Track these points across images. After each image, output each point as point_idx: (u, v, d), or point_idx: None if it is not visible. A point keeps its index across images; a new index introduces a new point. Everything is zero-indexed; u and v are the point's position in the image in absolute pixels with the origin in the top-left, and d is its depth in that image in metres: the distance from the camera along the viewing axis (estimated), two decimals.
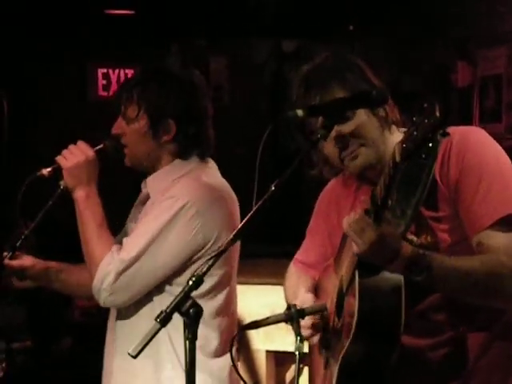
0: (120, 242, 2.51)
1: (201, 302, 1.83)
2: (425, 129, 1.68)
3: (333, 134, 2.04)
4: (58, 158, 2.53)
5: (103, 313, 2.66)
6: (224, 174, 2.64)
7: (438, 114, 1.67)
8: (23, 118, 6.47)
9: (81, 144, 2.54)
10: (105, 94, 7.12)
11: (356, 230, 1.88)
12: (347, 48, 5.76)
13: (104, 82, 7.11)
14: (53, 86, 6.74)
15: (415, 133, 1.70)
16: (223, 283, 2.53)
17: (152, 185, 2.57)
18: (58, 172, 2.54)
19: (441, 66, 5.92)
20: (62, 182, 2.55)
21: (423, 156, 1.73)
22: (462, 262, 1.94)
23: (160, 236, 2.43)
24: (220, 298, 2.53)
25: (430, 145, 1.69)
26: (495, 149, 2.03)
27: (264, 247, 5.02)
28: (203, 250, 2.45)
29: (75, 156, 2.51)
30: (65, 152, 2.53)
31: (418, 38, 6.08)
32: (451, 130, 1.99)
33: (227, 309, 2.56)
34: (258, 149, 2.00)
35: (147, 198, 2.58)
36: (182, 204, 2.43)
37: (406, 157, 1.73)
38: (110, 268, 2.42)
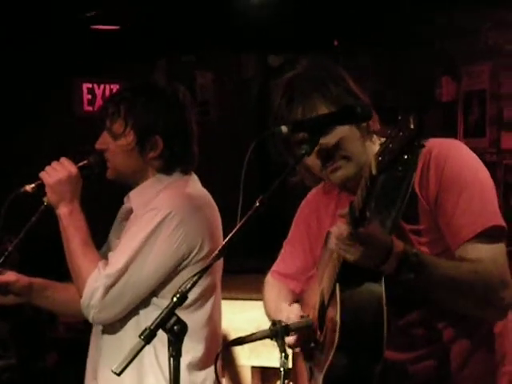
0: (105, 257, 2.50)
1: (185, 313, 1.83)
2: (400, 141, 1.69)
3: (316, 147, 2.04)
4: (42, 174, 2.53)
5: (89, 328, 2.64)
6: (209, 189, 2.64)
7: (412, 126, 1.67)
8: (9, 132, 6.46)
9: (64, 160, 2.54)
10: (90, 108, 7.11)
11: (345, 243, 1.87)
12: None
13: (89, 96, 7.11)
14: (38, 101, 6.72)
15: (390, 145, 1.70)
16: (207, 295, 2.53)
17: (135, 198, 2.57)
18: (41, 188, 2.54)
19: (425, 81, 5.95)
20: (45, 198, 2.54)
21: (399, 168, 1.74)
22: (452, 264, 1.95)
23: (145, 248, 2.43)
24: (204, 310, 2.53)
25: (406, 157, 1.69)
26: (474, 161, 2.04)
27: (248, 261, 5.02)
28: (188, 259, 2.46)
29: (58, 172, 2.50)
30: (48, 168, 2.52)
31: (402, 52, 6.11)
32: (430, 142, 2.01)
33: (211, 320, 2.56)
34: (243, 164, 2.00)
35: (130, 212, 2.58)
36: (164, 215, 2.44)
37: (381, 170, 1.73)
38: (97, 284, 2.42)
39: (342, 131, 2.05)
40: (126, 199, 2.61)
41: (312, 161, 2.09)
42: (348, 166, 2.07)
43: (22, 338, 4.91)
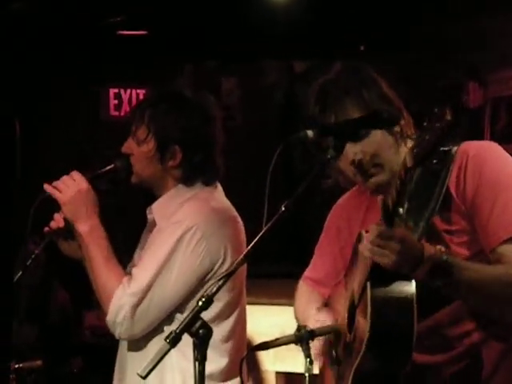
0: (130, 273, 2.50)
1: (212, 326, 1.83)
2: (436, 132, 1.68)
3: (349, 155, 2.05)
4: (54, 192, 2.49)
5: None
6: (236, 193, 2.64)
7: (448, 117, 1.66)
8: (36, 137, 6.51)
9: (75, 174, 2.52)
10: (116, 113, 7.14)
11: (380, 244, 1.86)
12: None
13: (116, 101, 7.14)
14: (65, 106, 6.77)
15: (426, 137, 1.69)
16: (232, 307, 2.52)
17: (157, 211, 2.57)
18: None
19: (452, 87, 5.92)
20: None
21: (435, 161, 1.72)
22: (483, 267, 1.94)
23: (168, 263, 2.43)
24: (229, 321, 2.52)
25: (442, 149, 1.68)
26: (511, 164, 2.03)
27: (272, 266, 5.02)
28: (211, 273, 2.45)
29: (69, 189, 2.48)
30: (59, 184, 2.50)
31: (429, 58, 6.08)
32: (468, 143, 2.01)
33: (236, 332, 2.55)
34: (268, 169, 2.01)
35: (154, 224, 2.58)
36: (186, 229, 2.43)
37: (417, 162, 1.73)
38: (122, 301, 2.41)
39: (374, 138, 2.05)
40: (148, 211, 2.62)
41: (345, 166, 2.09)
42: (381, 173, 2.07)
43: (49, 342, 4.94)
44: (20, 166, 3.18)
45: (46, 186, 2.51)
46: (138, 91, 7.09)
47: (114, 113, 7.16)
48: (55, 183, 2.50)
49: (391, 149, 2.06)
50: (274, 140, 6.77)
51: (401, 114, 2.02)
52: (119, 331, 2.43)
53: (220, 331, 2.47)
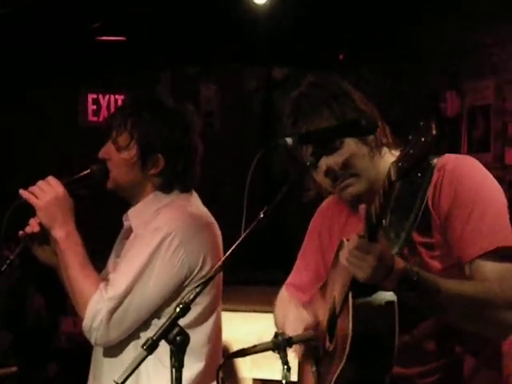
0: (106, 278, 2.48)
1: (189, 331, 1.82)
2: (422, 147, 1.68)
3: (322, 167, 2.05)
4: (29, 197, 2.46)
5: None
6: (212, 201, 2.64)
7: (434, 131, 1.67)
8: (13, 141, 6.48)
9: (51, 180, 2.49)
10: (94, 119, 7.13)
11: (357, 256, 1.87)
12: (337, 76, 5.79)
13: (94, 107, 7.13)
14: (43, 111, 6.75)
15: (411, 151, 1.70)
16: (209, 311, 2.52)
17: (134, 217, 2.56)
18: None
19: (430, 96, 5.96)
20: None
21: (419, 175, 1.72)
22: (454, 284, 1.94)
23: (146, 270, 2.42)
24: (206, 326, 2.51)
25: (427, 163, 1.69)
26: (488, 179, 2.03)
27: (250, 273, 5.01)
28: (189, 279, 2.45)
29: (45, 194, 2.46)
30: (35, 189, 2.47)
31: (407, 67, 6.12)
32: (445, 157, 2.02)
33: (212, 338, 2.55)
34: (247, 175, 2.00)
35: (130, 231, 2.57)
36: (164, 235, 2.43)
37: (402, 175, 1.73)
38: (99, 306, 2.40)
39: (348, 148, 2.05)
40: (124, 218, 2.61)
41: (321, 179, 2.10)
42: (358, 183, 2.07)
43: (24, 347, 4.90)
44: None
45: (22, 192, 2.48)
46: (117, 97, 7.08)
47: (92, 118, 7.14)
48: (31, 188, 2.48)
49: (365, 157, 2.06)
50: (252, 146, 6.82)
51: (376, 122, 2.02)
52: (95, 337, 2.42)
53: (197, 336, 2.47)
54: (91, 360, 2.61)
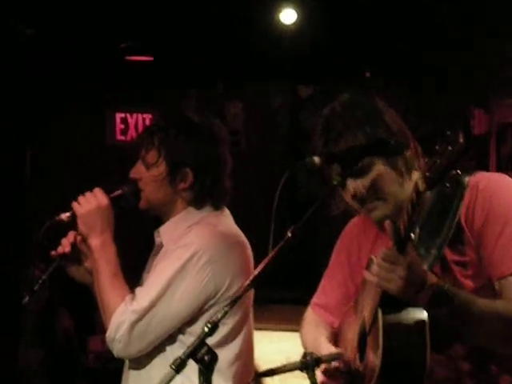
0: (134, 291, 2.50)
1: (216, 351, 1.82)
2: (449, 156, 1.68)
3: (350, 189, 2.05)
4: (74, 205, 2.54)
5: (118, 358, 2.65)
6: (240, 219, 2.65)
7: (461, 140, 1.66)
8: (44, 160, 6.53)
9: (97, 191, 2.55)
10: (122, 138, 7.17)
11: (386, 268, 1.85)
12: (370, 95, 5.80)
13: (122, 126, 7.16)
14: (72, 130, 6.80)
15: (438, 161, 1.69)
16: (236, 331, 2.52)
17: (165, 234, 2.57)
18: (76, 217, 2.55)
19: (458, 114, 5.94)
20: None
21: (447, 185, 1.72)
22: (486, 302, 1.94)
23: (172, 285, 2.43)
24: (234, 346, 2.51)
25: (455, 173, 1.68)
26: None
27: (278, 292, 5.00)
28: (215, 298, 2.45)
29: (89, 203, 2.51)
30: (80, 198, 2.54)
31: (434, 84, 6.10)
32: (479, 175, 2.02)
33: (242, 356, 2.54)
34: (274, 194, 2.01)
35: (161, 247, 2.59)
36: (192, 252, 2.44)
37: (429, 186, 1.72)
38: (122, 318, 2.41)
39: (376, 173, 2.05)
40: (156, 234, 2.62)
41: (349, 199, 2.10)
42: (384, 207, 2.07)
43: (53, 366, 4.92)
44: (29, 194, 3.19)
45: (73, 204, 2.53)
46: (144, 116, 7.12)
47: (120, 137, 7.18)
48: (79, 198, 2.54)
49: (394, 182, 2.06)
50: (278, 165, 6.82)
51: (407, 143, 2.02)
52: (117, 348, 2.43)
53: (225, 355, 2.47)
54: (122, 377, 2.62)
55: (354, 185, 2.05)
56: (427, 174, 1.72)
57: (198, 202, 2.56)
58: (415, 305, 1.90)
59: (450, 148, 1.68)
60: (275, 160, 7.08)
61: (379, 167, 2.05)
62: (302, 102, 7.33)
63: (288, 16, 5.35)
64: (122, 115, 7.16)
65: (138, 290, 2.48)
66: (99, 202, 2.52)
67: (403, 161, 2.05)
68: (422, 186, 1.74)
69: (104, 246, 2.49)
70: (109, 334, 2.44)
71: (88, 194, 2.54)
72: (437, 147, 1.71)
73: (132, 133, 7.11)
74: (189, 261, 2.43)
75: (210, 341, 1.84)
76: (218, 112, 7.22)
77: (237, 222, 2.65)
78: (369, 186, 2.05)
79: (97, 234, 2.50)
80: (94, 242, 2.50)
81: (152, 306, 2.42)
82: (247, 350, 2.59)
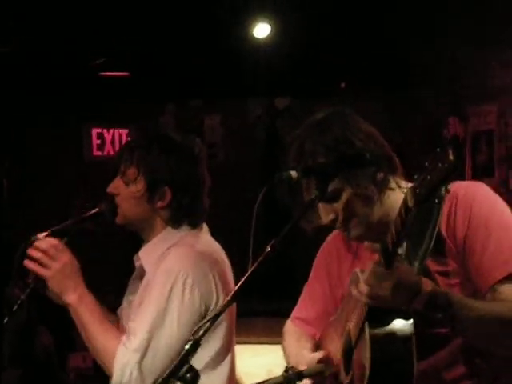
0: (127, 328, 2.48)
1: (206, 374, 1.81)
2: (439, 173, 1.69)
3: (323, 215, 2.08)
4: (39, 269, 2.46)
5: (98, 374, 2.63)
6: (219, 231, 2.64)
7: (451, 157, 1.68)
8: (19, 177, 6.50)
9: (57, 245, 2.48)
10: (99, 153, 7.15)
11: (374, 284, 1.87)
12: (339, 105, 5.84)
13: (98, 141, 7.15)
14: (48, 146, 6.78)
15: (428, 177, 1.71)
16: (224, 352, 2.52)
17: (145, 257, 2.56)
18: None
19: (433, 122, 5.98)
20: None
21: (436, 201, 1.73)
22: (482, 304, 1.95)
23: (166, 313, 2.42)
24: (223, 367, 2.51)
25: (444, 189, 1.70)
26: (500, 203, 2.06)
27: (258, 304, 4.99)
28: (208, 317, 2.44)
29: (54, 262, 2.46)
30: (42, 258, 2.47)
31: (409, 93, 6.15)
32: (456, 184, 2.03)
33: (231, 377, 2.54)
34: (253, 208, 2.01)
35: (142, 270, 2.57)
36: (177, 277, 2.43)
37: (419, 201, 1.73)
38: (125, 360, 2.38)
39: (346, 197, 2.07)
40: (135, 258, 2.61)
41: (324, 217, 2.11)
42: (358, 228, 2.10)
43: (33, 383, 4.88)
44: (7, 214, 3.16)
45: (28, 264, 2.47)
46: (121, 131, 7.11)
47: (96, 153, 7.17)
48: (38, 256, 2.47)
49: (365, 205, 2.07)
50: (256, 177, 6.83)
51: (380, 162, 2.04)
52: None
53: (215, 378, 2.46)
54: None
55: (326, 209, 2.08)
56: (417, 190, 1.73)
57: (175, 221, 2.55)
58: (412, 310, 1.91)
59: (440, 165, 1.69)
60: (253, 172, 7.10)
61: (348, 192, 2.06)
62: (278, 113, 7.36)
63: (262, 30, 5.40)
64: (99, 130, 7.15)
65: (132, 325, 2.45)
66: (64, 258, 2.48)
67: (374, 182, 2.06)
68: (411, 202, 1.75)
69: (81, 298, 2.46)
70: (116, 379, 2.40)
71: (48, 250, 2.47)
72: (427, 164, 1.73)
73: (109, 148, 7.10)
74: (176, 285, 2.42)
75: (199, 365, 1.83)
76: (196, 125, 7.22)
77: (215, 235, 2.65)
78: (339, 210, 2.07)
79: (71, 290, 2.46)
80: (71, 298, 2.47)
81: (151, 338, 2.40)
82: (233, 368, 2.59)
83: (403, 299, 1.87)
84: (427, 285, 1.90)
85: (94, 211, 2.57)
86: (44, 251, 2.48)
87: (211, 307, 2.45)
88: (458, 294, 1.98)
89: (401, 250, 1.92)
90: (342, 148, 2.06)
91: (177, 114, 7.32)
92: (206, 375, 2.44)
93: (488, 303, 1.96)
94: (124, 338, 2.42)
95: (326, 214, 2.10)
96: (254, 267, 1.92)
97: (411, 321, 1.92)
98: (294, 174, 2.04)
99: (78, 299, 2.46)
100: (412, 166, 1.82)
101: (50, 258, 2.47)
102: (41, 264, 2.48)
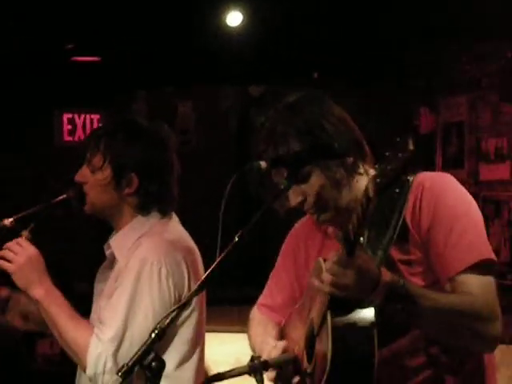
0: (95, 321, 2.47)
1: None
2: (399, 162, 1.71)
3: (292, 198, 2.07)
4: (3, 264, 2.45)
5: (66, 361, 2.62)
6: (188, 219, 2.64)
7: (411, 147, 1.69)
8: None
9: (21, 241, 2.47)
10: (70, 138, 7.11)
11: (336, 272, 1.87)
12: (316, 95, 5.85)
13: (69, 127, 7.11)
14: (18, 131, 6.72)
15: (388, 167, 1.72)
16: (194, 342, 2.52)
17: (115, 246, 2.55)
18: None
19: (403, 113, 6.01)
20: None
21: (397, 190, 1.73)
22: (441, 296, 1.96)
23: (139, 304, 2.40)
24: (193, 361, 2.51)
25: (404, 178, 1.70)
26: (465, 195, 2.07)
27: (227, 291, 5.00)
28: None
29: (18, 257, 2.44)
30: (6, 253, 2.46)
31: (381, 84, 6.17)
32: (422, 175, 2.04)
33: (200, 369, 2.55)
34: (222, 194, 2.01)
35: (113, 259, 2.56)
36: (153, 267, 2.41)
37: (379, 191, 1.74)
38: (98, 351, 2.36)
39: (316, 180, 2.06)
40: (106, 247, 2.60)
41: (293, 201, 2.11)
42: (327, 212, 2.09)
43: (1, 370, 4.86)
44: None
45: None
46: (92, 116, 7.07)
47: (67, 138, 7.12)
48: (2, 253, 2.46)
49: (334, 189, 2.07)
50: (229, 163, 6.83)
51: (349, 148, 2.04)
52: (102, 381, 2.36)
53: (187, 365, 2.48)
54: (75, 381, 2.59)
55: (296, 192, 2.07)
56: (378, 179, 1.74)
57: (144, 208, 2.54)
58: (370, 302, 1.92)
59: (399, 155, 1.70)
60: (226, 158, 7.10)
61: (318, 175, 2.06)
62: (252, 101, 7.35)
63: (234, 18, 5.41)
64: (70, 116, 7.10)
65: (104, 316, 2.43)
66: (27, 252, 2.45)
67: (344, 166, 2.06)
68: (371, 191, 1.76)
69: (48, 292, 2.44)
70: (89, 371, 2.37)
71: (13, 246, 2.46)
72: (387, 153, 1.73)
73: (80, 133, 7.06)
74: (150, 276, 2.40)
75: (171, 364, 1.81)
76: (169, 112, 7.20)
77: (186, 223, 2.64)
78: (308, 192, 2.07)
79: (36, 284, 2.44)
80: (37, 292, 2.44)
81: (126, 327, 2.38)
82: (202, 356, 2.59)
83: (364, 288, 1.88)
84: (386, 275, 1.91)
85: (61, 197, 2.55)
86: (7, 247, 2.46)
87: (183, 296, 2.44)
88: (416, 284, 1.99)
89: (363, 239, 1.92)
90: (314, 132, 2.05)
91: (149, 100, 7.29)
92: (176, 365, 2.45)
93: (445, 295, 1.97)
94: (96, 329, 2.40)
95: (294, 196, 2.09)
96: (222, 256, 1.92)
97: (372, 309, 1.93)
98: (263, 164, 2.04)
99: (44, 294, 2.44)
100: (382, 155, 1.83)
101: (14, 252, 2.46)
102: (4, 259, 2.46)
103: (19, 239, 2.48)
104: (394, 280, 1.91)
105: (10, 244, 2.47)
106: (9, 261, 2.45)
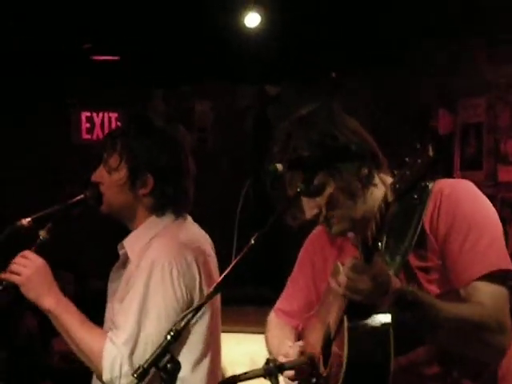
0: (109, 321, 2.47)
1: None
2: (418, 168, 1.70)
3: (306, 210, 2.08)
4: (12, 277, 2.46)
5: None
6: (205, 217, 2.64)
7: (430, 153, 1.68)
8: (9, 158, 6.48)
9: (27, 253, 2.49)
10: (88, 136, 7.14)
11: (353, 278, 1.87)
12: (328, 94, 5.84)
13: (88, 125, 7.13)
14: (38, 129, 6.76)
15: (407, 172, 1.71)
16: (206, 345, 2.52)
17: (129, 246, 2.56)
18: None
19: (421, 113, 5.98)
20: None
21: (415, 196, 1.73)
22: (450, 306, 1.96)
23: (151, 306, 2.40)
24: (204, 364, 2.51)
25: (423, 185, 1.69)
26: (485, 203, 2.06)
27: (243, 291, 5.00)
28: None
29: (27, 269, 2.46)
30: (14, 267, 2.47)
31: (399, 84, 6.14)
32: (442, 182, 2.04)
33: (213, 375, 2.55)
34: (240, 193, 2.01)
35: (126, 259, 2.57)
36: (164, 268, 2.42)
37: (398, 197, 1.74)
38: (113, 355, 2.37)
39: (329, 191, 2.07)
40: (119, 246, 2.60)
41: (308, 211, 2.11)
42: (341, 223, 2.09)
43: (17, 366, 4.89)
44: None
45: (1, 275, 2.47)
46: (110, 115, 7.09)
47: (85, 136, 7.15)
48: (11, 267, 2.47)
49: (348, 199, 2.07)
50: (246, 162, 6.83)
51: (364, 157, 2.04)
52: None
53: (200, 368, 2.48)
54: (92, 380, 2.59)
55: (310, 204, 2.08)
56: (397, 185, 1.73)
57: (158, 209, 2.54)
58: (379, 308, 1.91)
59: (419, 160, 1.70)
60: (243, 157, 7.10)
61: (332, 186, 2.06)
62: (269, 100, 7.35)
63: (252, 19, 5.46)
64: (88, 114, 7.13)
65: (117, 319, 2.44)
66: (35, 264, 2.47)
67: (359, 177, 2.06)
68: (390, 197, 1.76)
69: (58, 302, 2.45)
70: (106, 375, 2.38)
71: (20, 260, 2.48)
72: (406, 159, 1.73)
73: (98, 132, 7.09)
74: (161, 277, 2.41)
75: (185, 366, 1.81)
76: (186, 110, 7.21)
77: (202, 221, 2.64)
78: (322, 205, 2.07)
79: (46, 295, 2.45)
80: (47, 303, 2.45)
81: (139, 329, 2.39)
82: (218, 358, 2.59)
83: (376, 295, 1.88)
84: (396, 283, 1.90)
85: (78, 198, 2.56)
86: (15, 262, 2.47)
87: (195, 298, 2.45)
88: (431, 292, 1.98)
89: (381, 245, 1.92)
90: (327, 143, 2.05)
91: (166, 99, 7.30)
92: (191, 367, 2.46)
93: (455, 305, 1.96)
94: (109, 333, 2.41)
95: (309, 208, 2.10)
96: (237, 259, 1.92)
97: (389, 315, 1.93)
98: (279, 166, 2.04)
99: (55, 303, 2.45)
100: (398, 154, 1.82)
101: (22, 265, 2.47)
102: (12, 272, 2.47)
103: (26, 252, 2.49)
104: (404, 287, 1.91)
105: (17, 259, 2.48)
106: (17, 273, 2.46)
